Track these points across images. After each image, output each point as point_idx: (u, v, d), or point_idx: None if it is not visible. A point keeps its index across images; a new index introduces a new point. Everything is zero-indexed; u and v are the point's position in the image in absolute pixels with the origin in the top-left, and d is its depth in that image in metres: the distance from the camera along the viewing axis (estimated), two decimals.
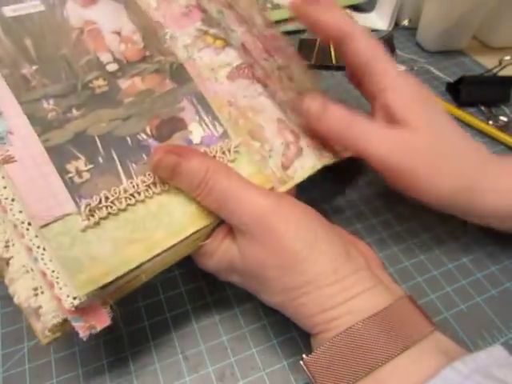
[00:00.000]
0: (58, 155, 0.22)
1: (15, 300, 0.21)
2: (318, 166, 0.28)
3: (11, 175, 0.21)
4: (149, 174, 0.24)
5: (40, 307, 0.21)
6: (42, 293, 0.22)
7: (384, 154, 0.26)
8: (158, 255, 0.22)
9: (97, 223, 0.22)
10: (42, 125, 0.22)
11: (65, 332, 0.22)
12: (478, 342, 0.28)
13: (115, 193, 0.22)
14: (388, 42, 0.51)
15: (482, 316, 0.29)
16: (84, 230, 0.21)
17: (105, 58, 0.25)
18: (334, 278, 0.22)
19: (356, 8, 0.57)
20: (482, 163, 0.28)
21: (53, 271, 0.20)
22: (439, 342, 0.21)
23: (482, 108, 0.46)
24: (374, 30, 0.54)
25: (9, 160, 0.21)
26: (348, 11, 0.54)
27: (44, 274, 0.21)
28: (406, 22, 0.54)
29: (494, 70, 0.47)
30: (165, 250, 0.23)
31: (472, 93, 0.46)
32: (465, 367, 0.18)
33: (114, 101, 0.25)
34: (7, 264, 0.22)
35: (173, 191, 0.24)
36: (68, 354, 0.26)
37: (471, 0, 0.47)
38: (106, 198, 0.22)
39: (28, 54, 0.24)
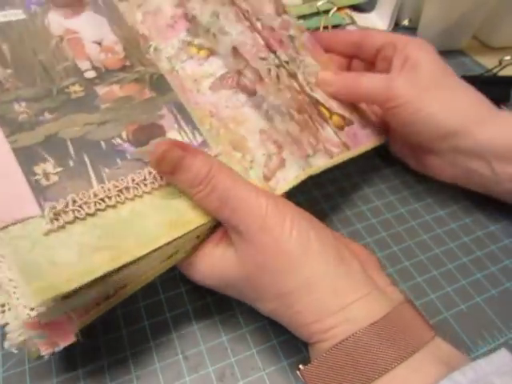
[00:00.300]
0: (26, 157, 0.21)
1: None
2: (302, 176, 0.27)
3: None
4: (121, 179, 0.22)
5: (6, 324, 0.19)
6: (10, 309, 0.20)
7: (389, 87, 0.31)
8: (126, 266, 0.21)
9: (61, 227, 0.20)
10: (11, 126, 0.22)
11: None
12: (478, 341, 0.27)
13: (84, 196, 0.21)
14: None
15: (482, 316, 0.29)
16: (46, 234, 0.20)
17: (83, 65, 0.25)
18: (327, 281, 0.21)
19: (356, 8, 0.57)
20: (481, 106, 0.32)
21: (10, 280, 0.19)
22: (439, 350, 0.20)
23: None
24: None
25: None
26: (348, 11, 0.54)
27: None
28: (406, 22, 0.54)
29: (494, 70, 0.47)
30: (133, 261, 0.21)
31: None
32: (464, 378, 0.17)
33: (89, 106, 0.24)
34: None
35: (147, 198, 0.23)
36: (68, 354, 0.26)
37: (471, 0, 0.48)
38: (74, 202, 0.21)
39: (3, 58, 0.23)
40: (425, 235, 0.34)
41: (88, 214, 0.21)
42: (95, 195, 0.22)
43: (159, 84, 0.27)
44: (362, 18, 0.54)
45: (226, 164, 0.24)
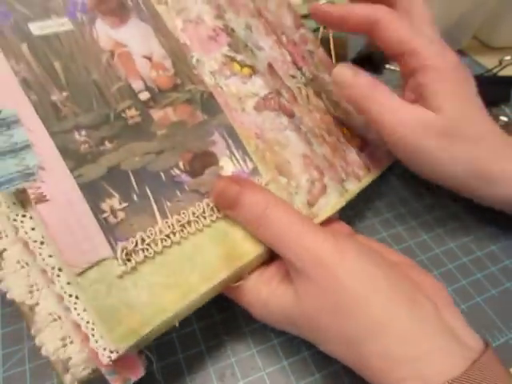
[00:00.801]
0: (92, 193, 0.21)
1: (43, 352, 0.20)
2: (342, 202, 0.28)
3: (43, 216, 0.19)
4: (183, 213, 0.23)
5: (69, 359, 0.20)
6: (72, 342, 0.20)
7: (399, 126, 0.28)
8: (193, 301, 0.22)
9: (133, 268, 0.20)
10: (74, 159, 0.21)
11: (92, 380, 0.21)
12: None
13: (151, 234, 0.21)
14: None
15: (482, 316, 0.29)
16: (121, 277, 0.20)
17: (136, 85, 0.24)
18: (397, 326, 0.20)
19: None
20: (499, 148, 0.29)
21: (87, 322, 0.19)
22: None
23: None
24: None
25: (41, 199, 0.19)
26: None
27: (77, 325, 0.19)
28: None
29: (494, 70, 0.47)
30: (199, 296, 0.22)
31: None
32: None
33: (147, 133, 0.23)
34: (31, 310, 0.20)
35: (206, 231, 0.23)
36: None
37: (471, 0, 0.48)
38: (142, 240, 0.21)
39: (57, 78, 0.22)
40: (425, 235, 0.34)
41: (156, 252, 0.21)
42: (161, 232, 0.22)
43: (209, 104, 0.26)
44: None
45: (281, 199, 0.24)
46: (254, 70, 0.28)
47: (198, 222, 0.23)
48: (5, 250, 0.21)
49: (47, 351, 0.20)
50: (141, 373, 0.20)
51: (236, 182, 0.23)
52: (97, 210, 0.20)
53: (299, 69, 0.34)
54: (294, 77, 0.32)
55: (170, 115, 0.24)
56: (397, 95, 0.29)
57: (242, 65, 0.28)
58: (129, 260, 0.20)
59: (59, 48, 0.22)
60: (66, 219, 0.19)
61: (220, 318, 0.28)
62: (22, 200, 0.20)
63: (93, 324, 0.19)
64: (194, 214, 0.23)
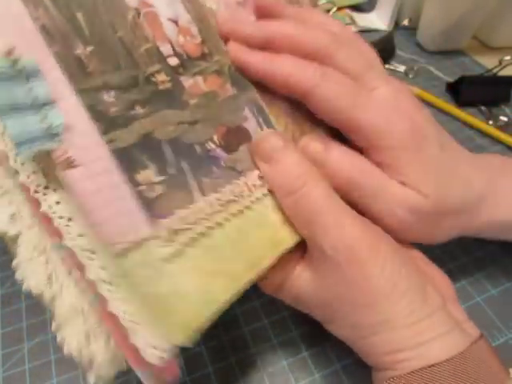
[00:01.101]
0: (126, 161, 0.17)
1: (65, 350, 0.16)
2: None
3: (74, 184, 0.16)
4: (222, 191, 0.20)
5: (94, 359, 0.16)
6: (95, 340, 0.16)
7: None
8: (239, 290, 0.19)
9: (178, 251, 0.17)
10: (104, 121, 0.17)
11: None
12: None
13: (193, 212, 0.18)
14: (388, 41, 0.51)
15: (482, 316, 0.29)
16: (166, 260, 0.17)
17: (165, 49, 0.21)
18: (410, 320, 0.20)
19: (356, 8, 0.56)
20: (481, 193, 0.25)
21: (128, 314, 0.16)
22: None
23: (482, 108, 0.45)
24: (374, 30, 0.54)
25: (69, 164, 0.16)
26: (348, 11, 0.54)
27: (110, 318, 0.16)
28: (406, 22, 0.54)
29: (494, 70, 0.47)
30: (244, 284, 0.19)
31: (472, 93, 0.45)
32: None
33: (179, 101, 0.21)
34: (51, 302, 0.16)
35: (247, 213, 0.21)
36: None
37: (471, 0, 0.48)
38: (185, 219, 0.18)
39: (81, 30, 0.18)
40: None
41: (199, 234, 0.18)
42: (202, 210, 0.19)
43: (238, 78, 0.24)
44: (361, 18, 0.54)
45: (322, 176, 0.22)
46: None
47: (237, 202, 0.20)
48: (20, 233, 0.17)
49: (69, 348, 0.16)
50: (177, 373, 0.17)
51: (281, 137, 0.22)
52: (132, 182, 0.17)
53: None
54: None
55: (200, 85, 0.22)
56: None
57: None
58: (172, 241, 0.17)
59: None
60: (100, 189, 0.16)
61: (220, 319, 0.27)
62: (44, 168, 0.16)
63: (135, 317, 0.16)
64: (232, 192, 0.20)
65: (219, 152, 0.21)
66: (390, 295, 0.20)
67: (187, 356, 0.26)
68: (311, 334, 0.27)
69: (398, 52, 0.53)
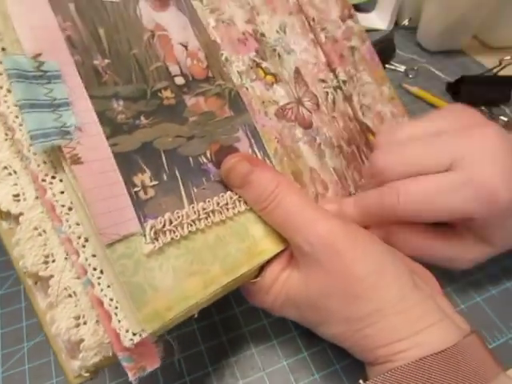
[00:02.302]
0: (126, 164, 0.19)
1: (53, 330, 0.18)
2: None
3: (79, 178, 0.17)
4: (208, 201, 0.22)
5: (81, 341, 0.18)
6: (85, 323, 0.18)
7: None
8: (214, 292, 0.21)
9: (160, 249, 0.19)
10: (111, 126, 0.20)
11: (97, 372, 0.19)
12: None
13: (178, 217, 0.20)
14: (388, 41, 0.50)
15: (482, 316, 0.29)
16: (148, 256, 0.19)
17: (173, 69, 0.24)
18: (401, 306, 0.21)
19: (356, 8, 0.54)
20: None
21: (111, 300, 0.17)
22: None
23: (482, 108, 0.45)
24: (374, 30, 0.53)
25: (76, 160, 0.18)
26: None
27: (98, 302, 0.18)
28: (406, 22, 0.54)
29: (494, 70, 0.47)
30: (220, 288, 0.21)
31: (472, 93, 0.45)
32: None
33: (180, 117, 0.23)
34: (44, 283, 0.18)
35: (229, 223, 0.23)
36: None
37: (471, 0, 0.47)
38: (170, 222, 0.20)
39: (101, 44, 0.21)
40: None
41: (181, 237, 0.20)
42: (187, 216, 0.21)
43: (236, 102, 0.26)
44: (362, 18, 0.52)
45: (293, 182, 0.24)
46: (276, 79, 0.29)
47: (221, 213, 0.22)
48: (21, 214, 0.19)
49: (58, 329, 0.18)
50: (157, 363, 0.19)
51: (247, 160, 0.23)
52: (129, 183, 0.19)
53: (332, 71, 0.33)
54: (323, 81, 0.32)
55: (201, 104, 0.24)
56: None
57: (266, 72, 0.29)
58: (156, 240, 0.19)
59: (105, 16, 0.22)
60: (100, 186, 0.18)
61: (220, 318, 0.28)
62: (52, 160, 0.18)
63: (117, 302, 0.17)
64: (218, 204, 0.22)
65: (210, 166, 0.23)
66: (377, 283, 0.21)
67: (187, 356, 0.26)
68: (311, 334, 0.26)
69: (398, 52, 0.53)
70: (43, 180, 0.18)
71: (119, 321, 0.17)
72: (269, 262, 0.24)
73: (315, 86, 0.31)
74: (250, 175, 0.23)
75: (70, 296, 0.18)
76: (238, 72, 0.27)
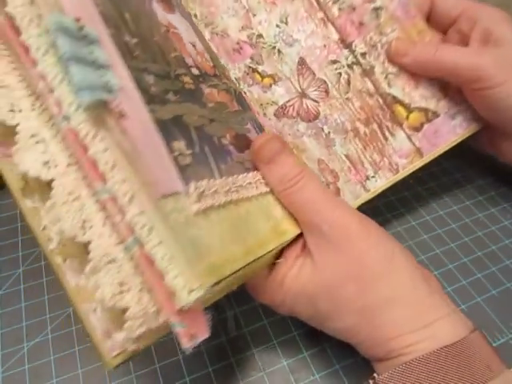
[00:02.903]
0: (164, 130, 0.19)
1: (97, 295, 0.16)
2: (355, 206, 0.29)
3: (128, 131, 0.17)
4: (235, 177, 0.22)
5: (126, 309, 0.16)
6: (129, 290, 0.16)
7: (478, 64, 0.28)
8: (250, 263, 0.20)
9: (204, 211, 0.19)
10: (146, 95, 0.20)
11: (135, 355, 0.17)
12: None
13: (214, 185, 0.20)
14: None
15: (482, 316, 0.29)
16: (196, 214, 0.18)
17: (188, 61, 0.25)
18: (414, 297, 0.22)
19: None
20: None
21: (163, 257, 0.16)
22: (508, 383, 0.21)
23: None
24: None
25: (123, 116, 0.17)
26: None
27: (147, 263, 0.16)
28: None
29: None
30: (255, 260, 0.20)
31: None
32: None
33: (200, 101, 0.23)
34: (85, 250, 0.16)
35: (254, 201, 0.23)
36: (68, 354, 0.26)
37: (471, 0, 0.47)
38: (209, 188, 0.20)
39: (128, 25, 0.21)
40: (425, 235, 0.34)
41: (219, 205, 0.20)
42: (222, 186, 0.21)
43: (241, 100, 0.27)
44: None
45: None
46: (274, 79, 0.30)
47: (247, 189, 0.22)
48: (53, 179, 0.17)
49: (103, 294, 0.16)
50: (207, 332, 0.17)
51: (279, 141, 0.24)
52: (169, 147, 0.19)
53: (347, 46, 0.32)
54: (334, 62, 0.31)
55: (215, 95, 0.25)
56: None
57: (263, 75, 0.30)
58: (199, 202, 0.19)
59: (128, 3, 0.22)
60: (146, 143, 0.18)
61: (220, 319, 0.28)
62: (94, 117, 0.17)
63: (170, 259, 0.16)
64: (244, 181, 0.22)
65: (231, 148, 0.23)
66: (390, 271, 0.22)
67: (187, 356, 0.25)
68: (311, 333, 0.27)
69: None
70: (85, 137, 0.17)
71: (175, 277, 0.16)
72: (282, 250, 0.24)
73: (324, 70, 0.31)
74: (281, 154, 0.23)
75: (111, 262, 0.16)
76: (235, 78, 0.29)
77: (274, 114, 0.30)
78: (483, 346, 0.21)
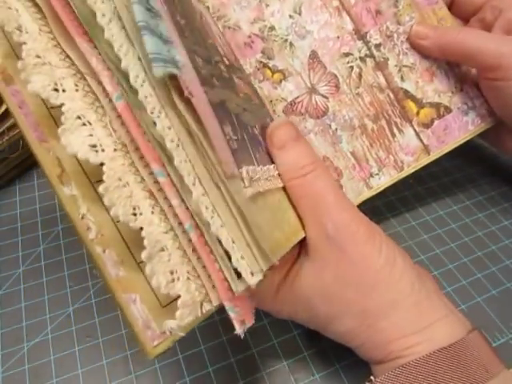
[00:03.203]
0: (216, 113, 0.19)
1: (153, 282, 0.16)
2: (356, 203, 0.29)
3: (198, 108, 0.17)
4: (267, 167, 0.23)
5: (178, 297, 0.16)
6: (178, 279, 0.17)
7: (502, 52, 0.27)
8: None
9: (254, 196, 0.19)
10: (199, 76, 0.19)
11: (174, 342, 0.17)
12: None
13: (257, 172, 0.21)
14: None
15: (482, 316, 0.29)
16: (250, 199, 0.18)
17: (220, 50, 0.25)
18: (414, 298, 0.22)
19: None
20: None
21: (228, 238, 0.17)
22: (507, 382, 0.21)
23: None
24: None
25: (190, 93, 0.17)
26: None
27: (205, 247, 0.17)
28: None
29: None
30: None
31: None
32: None
33: (233, 89, 0.24)
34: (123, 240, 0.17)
35: (282, 192, 0.23)
36: (68, 354, 0.27)
37: None
38: (255, 173, 0.20)
39: (176, 7, 0.21)
40: (425, 235, 0.34)
41: (259, 193, 0.20)
42: (262, 174, 0.21)
43: (258, 95, 0.28)
44: None
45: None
46: (284, 75, 0.30)
47: (278, 180, 0.23)
48: (102, 163, 0.17)
49: (159, 282, 0.16)
50: (253, 320, 0.18)
51: (295, 128, 0.24)
52: (223, 131, 0.19)
53: (362, 37, 0.31)
54: (347, 55, 0.31)
55: (242, 86, 0.25)
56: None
57: (274, 71, 0.30)
58: (251, 186, 0.19)
59: None
60: (208, 123, 0.18)
61: (220, 319, 0.28)
62: (162, 92, 0.17)
63: (233, 242, 0.17)
64: (275, 171, 0.23)
65: (261, 139, 0.24)
66: (391, 274, 0.22)
67: (187, 356, 0.25)
68: (311, 334, 0.27)
69: None
70: (151, 113, 0.17)
71: (239, 259, 0.16)
72: None
73: (335, 63, 0.30)
74: (296, 140, 0.23)
75: (162, 250, 0.16)
76: (247, 74, 0.30)
77: (283, 111, 0.30)
78: (482, 347, 0.21)
